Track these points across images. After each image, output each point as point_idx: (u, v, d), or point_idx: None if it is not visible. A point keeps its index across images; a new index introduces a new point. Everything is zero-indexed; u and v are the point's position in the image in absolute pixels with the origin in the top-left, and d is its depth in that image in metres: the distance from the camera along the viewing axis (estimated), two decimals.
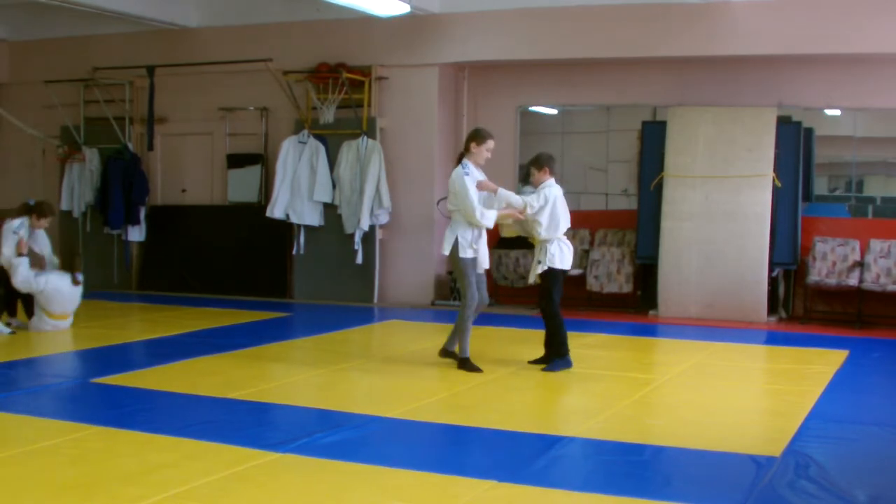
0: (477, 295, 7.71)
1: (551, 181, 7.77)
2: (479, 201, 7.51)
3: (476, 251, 7.61)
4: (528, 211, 7.63)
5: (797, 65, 11.16)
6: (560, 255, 7.70)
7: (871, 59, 10.80)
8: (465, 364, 7.71)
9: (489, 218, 7.54)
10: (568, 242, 7.79)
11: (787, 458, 5.23)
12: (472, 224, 7.55)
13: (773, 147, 10.82)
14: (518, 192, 8.12)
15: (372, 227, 12.20)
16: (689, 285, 11.02)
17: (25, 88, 14.08)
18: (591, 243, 11.95)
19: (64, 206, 13.54)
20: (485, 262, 7.71)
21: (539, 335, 8.09)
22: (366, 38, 12.29)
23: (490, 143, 7.66)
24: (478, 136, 7.67)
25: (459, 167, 7.63)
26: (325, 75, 12.23)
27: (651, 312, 11.28)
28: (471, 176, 7.55)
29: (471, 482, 4.78)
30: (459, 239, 7.60)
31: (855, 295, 10.72)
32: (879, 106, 11.11)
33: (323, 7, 11.47)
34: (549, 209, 7.63)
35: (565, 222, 7.74)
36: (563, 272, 7.77)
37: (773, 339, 10.03)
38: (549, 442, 5.58)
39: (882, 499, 4.71)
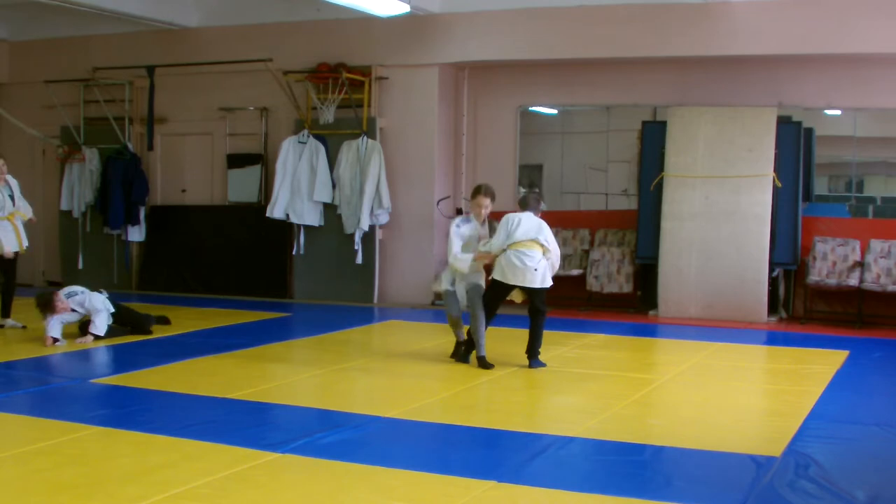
0: (455, 309, 8.17)
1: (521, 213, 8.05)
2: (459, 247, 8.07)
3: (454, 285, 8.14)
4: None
5: (797, 65, 11.16)
6: (499, 268, 7.93)
7: (871, 59, 10.80)
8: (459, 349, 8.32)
9: (462, 261, 8.02)
10: (514, 257, 7.83)
11: (787, 458, 5.23)
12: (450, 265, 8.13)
13: (773, 147, 10.82)
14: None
15: (372, 227, 12.20)
16: (689, 285, 11.02)
17: (25, 88, 14.08)
18: (591, 243, 11.95)
19: (64, 206, 13.55)
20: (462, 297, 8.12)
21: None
22: (366, 38, 12.29)
23: (482, 200, 8.13)
24: (472, 193, 8.28)
25: (456, 218, 8.42)
26: (325, 75, 12.22)
27: (651, 312, 11.28)
28: (460, 228, 8.10)
29: (471, 482, 4.78)
30: (444, 274, 8.27)
31: (855, 295, 10.71)
32: (879, 106, 11.11)
33: (323, 7, 11.48)
34: (504, 231, 7.94)
35: (513, 237, 7.89)
36: (500, 284, 7.96)
37: (773, 339, 10.03)
38: (549, 442, 5.58)
39: (881, 498, 4.71)
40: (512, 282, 7.88)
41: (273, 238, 12.78)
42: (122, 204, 13.13)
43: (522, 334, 8.14)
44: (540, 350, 8.02)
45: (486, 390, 7.18)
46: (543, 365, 7.91)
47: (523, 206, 8.15)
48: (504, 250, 7.86)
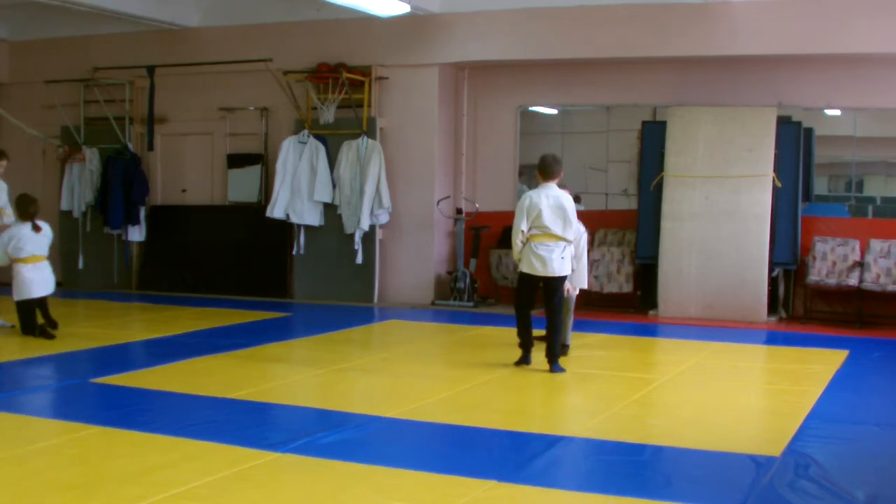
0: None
1: (544, 186, 7.76)
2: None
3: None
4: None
5: (797, 65, 11.16)
6: (527, 260, 7.76)
7: (871, 59, 10.80)
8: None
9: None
10: (537, 250, 7.68)
11: (787, 458, 5.23)
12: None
13: (773, 147, 10.82)
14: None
15: (372, 227, 12.20)
16: (689, 285, 11.02)
17: (25, 88, 14.08)
18: (591, 243, 11.94)
19: (64, 206, 13.54)
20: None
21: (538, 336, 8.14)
22: (366, 38, 12.29)
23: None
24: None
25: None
26: (325, 75, 12.22)
27: (651, 312, 11.28)
28: None
29: (471, 482, 4.78)
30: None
31: (855, 295, 10.71)
32: (879, 106, 11.11)
33: (323, 7, 11.48)
34: (518, 214, 7.78)
35: (528, 224, 7.69)
36: (526, 276, 7.79)
37: (773, 339, 10.03)
38: (549, 442, 5.58)
39: (881, 498, 4.71)
40: (530, 271, 7.75)
41: (273, 238, 12.77)
42: (122, 204, 13.13)
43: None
44: (559, 354, 7.91)
45: (486, 390, 7.18)
46: (563, 370, 7.78)
47: (543, 172, 7.79)
48: (524, 241, 7.76)
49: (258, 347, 8.82)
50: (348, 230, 12.24)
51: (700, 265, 10.98)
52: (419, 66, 12.19)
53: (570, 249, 7.85)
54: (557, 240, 7.69)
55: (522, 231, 7.71)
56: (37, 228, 9.24)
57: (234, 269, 13.06)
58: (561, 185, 7.87)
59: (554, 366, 7.76)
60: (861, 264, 10.76)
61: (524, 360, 7.94)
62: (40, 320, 9.20)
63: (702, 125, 11.13)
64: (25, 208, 9.23)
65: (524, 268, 7.78)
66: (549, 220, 7.64)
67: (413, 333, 10.31)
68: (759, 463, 5.15)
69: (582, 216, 8.10)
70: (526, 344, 7.94)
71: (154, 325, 10.35)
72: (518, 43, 11.78)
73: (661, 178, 11.20)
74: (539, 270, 7.71)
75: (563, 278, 7.83)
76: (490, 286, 12.32)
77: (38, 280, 9.16)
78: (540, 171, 7.80)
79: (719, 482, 4.89)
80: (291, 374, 7.84)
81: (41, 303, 9.22)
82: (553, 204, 7.66)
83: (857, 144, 11.50)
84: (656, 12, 11.12)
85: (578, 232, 8.05)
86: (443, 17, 11.98)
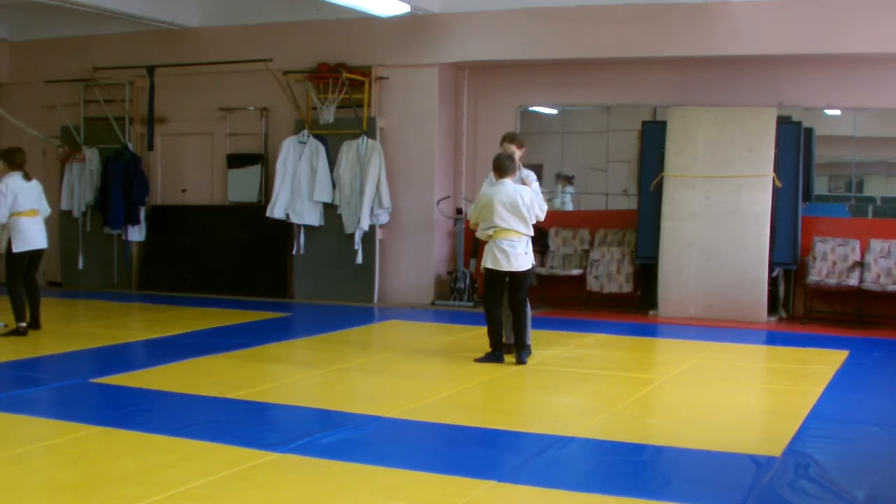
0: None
1: (500, 181, 7.90)
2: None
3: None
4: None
5: (797, 65, 11.16)
6: (491, 256, 7.89)
7: (871, 59, 10.80)
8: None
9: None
10: (502, 245, 7.81)
11: (787, 458, 5.23)
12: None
13: (773, 147, 10.82)
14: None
15: (372, 227, 12.20)
16: (689, 285, 11.02)
17: (25, 88, 14.07)
18: (591, 243, 11.95)
19: (64, 206, 13.53)
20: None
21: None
22: (366, 38, 12.29)
23: (506, 147, 8.20)
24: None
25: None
26: (325, 75, 12.22)
27: (651, 312, 11.28)
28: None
29: (471, 482, 4.78)
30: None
31: (855, 295, 10.71)
32: (879, 106, 11.11)
33: (323, 7, 11.48)
34: (475, 210, 8.00)
35: (493, 220, 7.80)
36: (493, 272, 7.92)
37: (773, 339, 10.03)
38: (549, 442, 5.58)
39: (881, 498, 4.71)
40: (489, 265, 7.90)
41: (273, 238, 12.77)
42: (122, 204, 13.13)
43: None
44: (529, 343, 8.06)
45: (486, 390, 7.18)
46: (529, 353, 8.02)
47: (497, 168, 7.93)
48: (489, 236, 7.88)
49: (258, 347, 8.82)
50: (348, 230, 12.24)
51: (700, 265, 10.98)
52: (419, 66, 12.18)
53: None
54: (520, 235, 7.85)
55: (471, 222, 8.13)
56: (28, 177, 9.35)
57: (234, 269, 13.06)
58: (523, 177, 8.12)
59: (523, 354, 7.94)
60: (861, 264, 10.76)
61: (495, 357, 7.97)
62: (28, 319, 9.26)
63: (702, 125, 11.13)
64: (13, 158, 9.30)
65: (489, 263, 7.92)
66: (507, 217, 7.80)
67: (413, 333, 10.32)
68: (759, 463, 5.15)
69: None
70: (497, 342, 8.01)
71: (154, 325, 10.35)
72: (518, 43, 11.78)
73: (661, 178, 11.20)
74: (504, 266, 7.86)
75: (527, 272, 7.98)
76: None
77: (37, 232, 9.30)
78: (495, 169, 7.99)
79: (719, 482, 4.89)
80: (291, 374, 7.84)
81: (37, 257, 9.38)
82: (507, 201, 7.82)
83: (857, 144, 11.50)
84: (656, 12, 11.12)
85: (541, 208, 8.01)
86: (443, 17, 11.98)
